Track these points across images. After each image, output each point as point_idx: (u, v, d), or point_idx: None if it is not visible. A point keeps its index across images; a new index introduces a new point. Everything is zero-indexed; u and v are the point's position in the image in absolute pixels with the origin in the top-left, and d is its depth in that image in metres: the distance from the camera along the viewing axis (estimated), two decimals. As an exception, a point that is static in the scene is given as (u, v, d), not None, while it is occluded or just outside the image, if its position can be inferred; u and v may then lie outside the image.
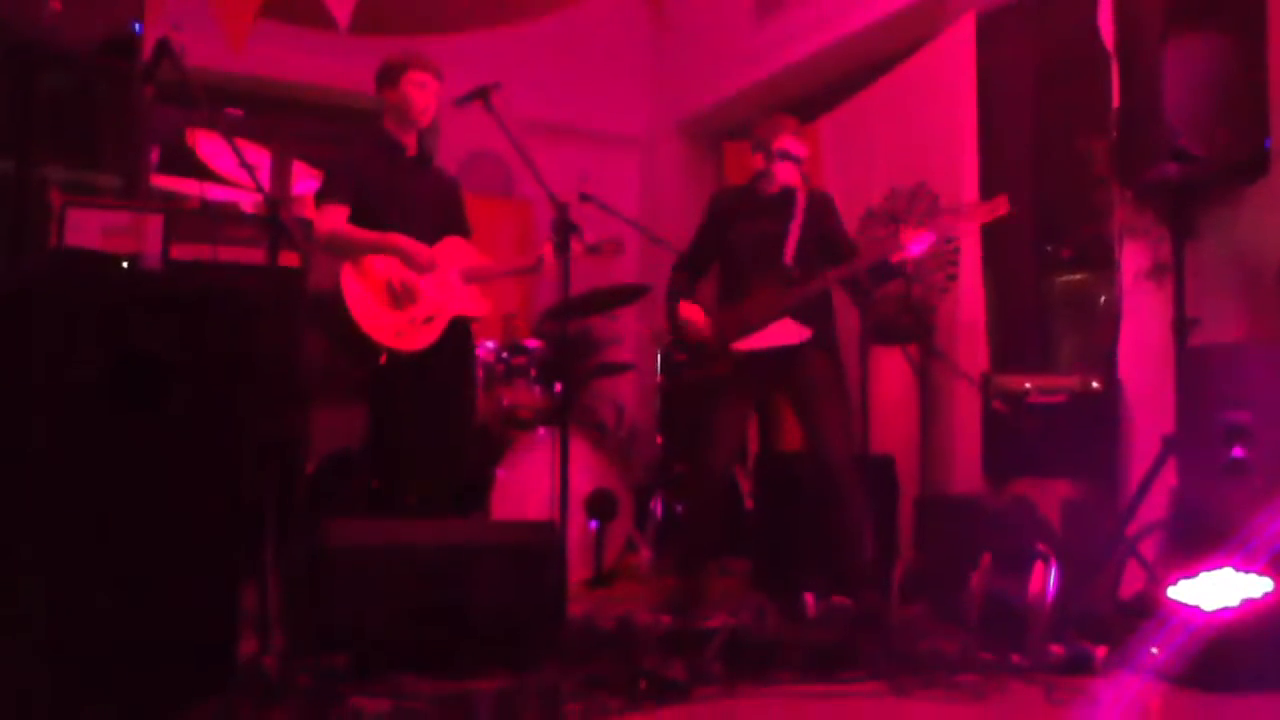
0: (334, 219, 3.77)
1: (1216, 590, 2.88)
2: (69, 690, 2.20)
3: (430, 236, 3.85)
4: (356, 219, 3.78)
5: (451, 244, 3.89)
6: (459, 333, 3.87)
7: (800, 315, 3.87)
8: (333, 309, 3.72)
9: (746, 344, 3.91)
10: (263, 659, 2.60)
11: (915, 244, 3.70)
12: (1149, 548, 3.47)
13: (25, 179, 3.91)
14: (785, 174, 4.00)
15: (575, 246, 3.65)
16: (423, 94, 3.82)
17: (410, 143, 3.94)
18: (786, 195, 3.99)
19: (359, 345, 3.70)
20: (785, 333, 3.88)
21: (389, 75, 3.86)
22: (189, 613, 2.37)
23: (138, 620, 2.29)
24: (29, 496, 2.21)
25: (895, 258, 3.74)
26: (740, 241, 4.08)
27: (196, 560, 2.40)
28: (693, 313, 4.02)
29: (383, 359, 3.83)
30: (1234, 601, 2.83)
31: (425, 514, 3.71)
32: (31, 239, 3.91)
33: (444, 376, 3.83)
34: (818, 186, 4.40)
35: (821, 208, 4.01)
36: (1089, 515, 3.72)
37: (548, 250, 3.79)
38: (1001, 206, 3.68)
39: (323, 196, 3.88)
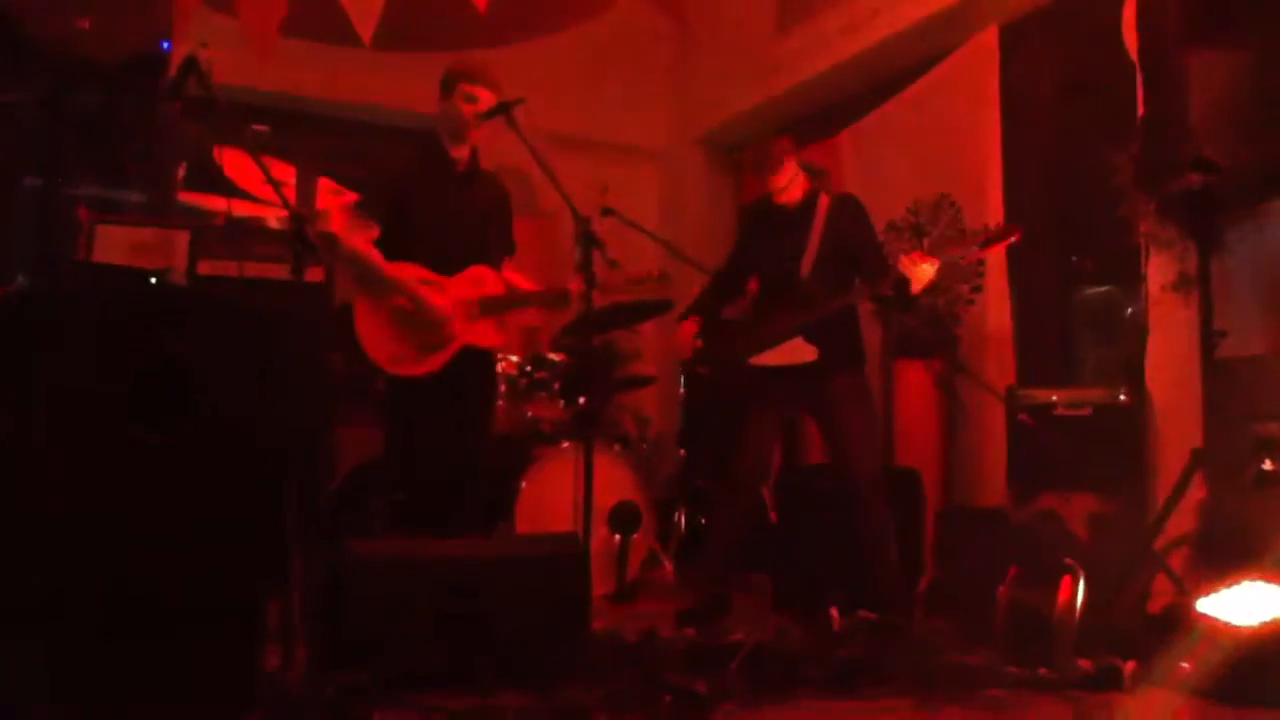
0: (361, 236, 3.78)
1: (1247, 604, 2.85)
2: (89, 705, 2.22)
3: (463, 256, 3.84)
4: (391, 234, 3.78)
5: (475, 273, 3.87)
6: (472, 360, 3.85)
7: (817, 333, 3.85)
8: (349, 323, 3.74)
9: (760, 360, 3.93)
10: (286, 674, 2.61)
11: (921, 276, 3.64)
12: (1177, 561, 3.44)
13: (55, 195, 3.96)
14: (793, 191, 3.99)
15: (616, 279, 3.68)
16: (473, 107, 3.78)
17: (461, 156, 3.90)
18: (807, 205, 3.97)
19: (364, 364, 3.73)
20: (794, 352, 3.87)
21: (444, 86, 3.85)
22: (212, 626, 2.38)
23: (160, 634, 2.30)
24: (50, 508, 2.23)
25: (916, 290, 3.69)
26: (764, 256, 4.08)
27: (220, 574, 2.41)
28: (686, 329, 4.05)
29: (379, 382, 3.84)
30: (1265, 616, 2.80)
31: (445, 529, 3.72)
32: (60, 255, 3.96)
33: (454, 399, 3.82)
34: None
35: (845, 214, 3.95)
36: (1116, 529, 3.69)
37: (574, 285, 3.69)
38: (1013, 234, 3.64)
39: (360, 207, 3.91)
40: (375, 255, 3.74)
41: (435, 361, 3.75)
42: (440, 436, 3.82)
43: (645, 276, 3.88)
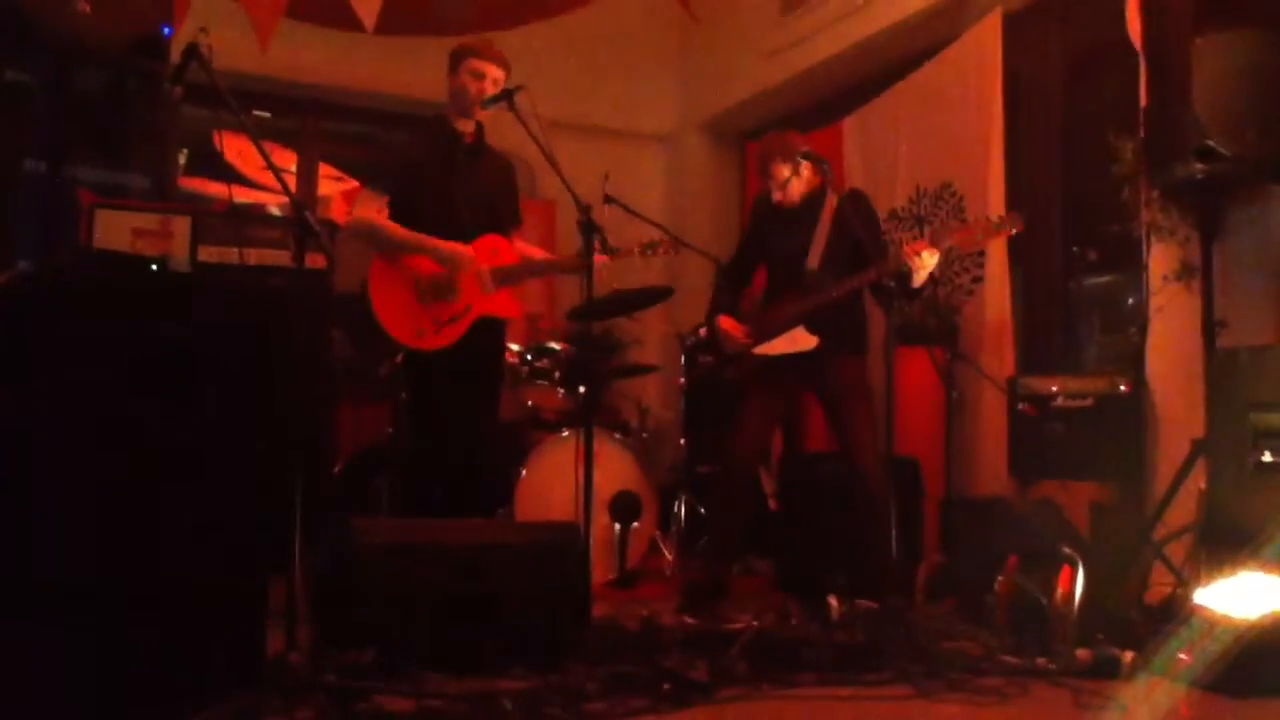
0: (370, 208, 3.79)
1: (1245, 595, 2.86)
2: (96, 685, 2.23)
3: (473, 229, 3.85)
4: (401, 207, 3.79)
5: (489, 242, 3.87)
6: (487, 332, 3.87)
7: (820, 321, 3.86)
8: (357, 305, 3.75)
9: (763, 350, 3.94)
10: (289, 655, 2.62)
11: (922, 266, 3.62)
12: (1178, 551, 3.44)
13: (56, 180, 3.95)
14: (796, 187, 3.99)
15: (630, 246, 3.70)
16: (478, 83, 3.80)
17: (468, 130, 3.92)
18: (815, 201, 3.99)
19: (380, 342, 3.73)
20: (795, 341, 3.88)
21: (452, 62, 3.88)
22: (217, 608, 2.39)
23: (166, 615, 2.31)
24: (50, 491, 2.23)
25: (917, 283, 3.68)
26: (772, 249, 4.10)
27: (223, 556, 2.42)
28: (731, 326, 4.05)
29: (399, 358, 3.85)
30: (1264, 607, 2.80)
31: (449, 511, 3.73)
32: (61, 240, 3.96)
33: (468, 375, 3.83)
34: (852, 186, 4.38)
35: (852, 210, 3.97)
36: (1116, 518, 3.69)
37: (599, 259, 3.65)
38: (1015, 225, 3.62)
39: (367, 181, 3.92)
40: (389, 223, 3.75)
41: (453, 334, 3.76)
42: (456, 410, 3.83)
43: (658, 241, 3.89)
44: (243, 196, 4.69)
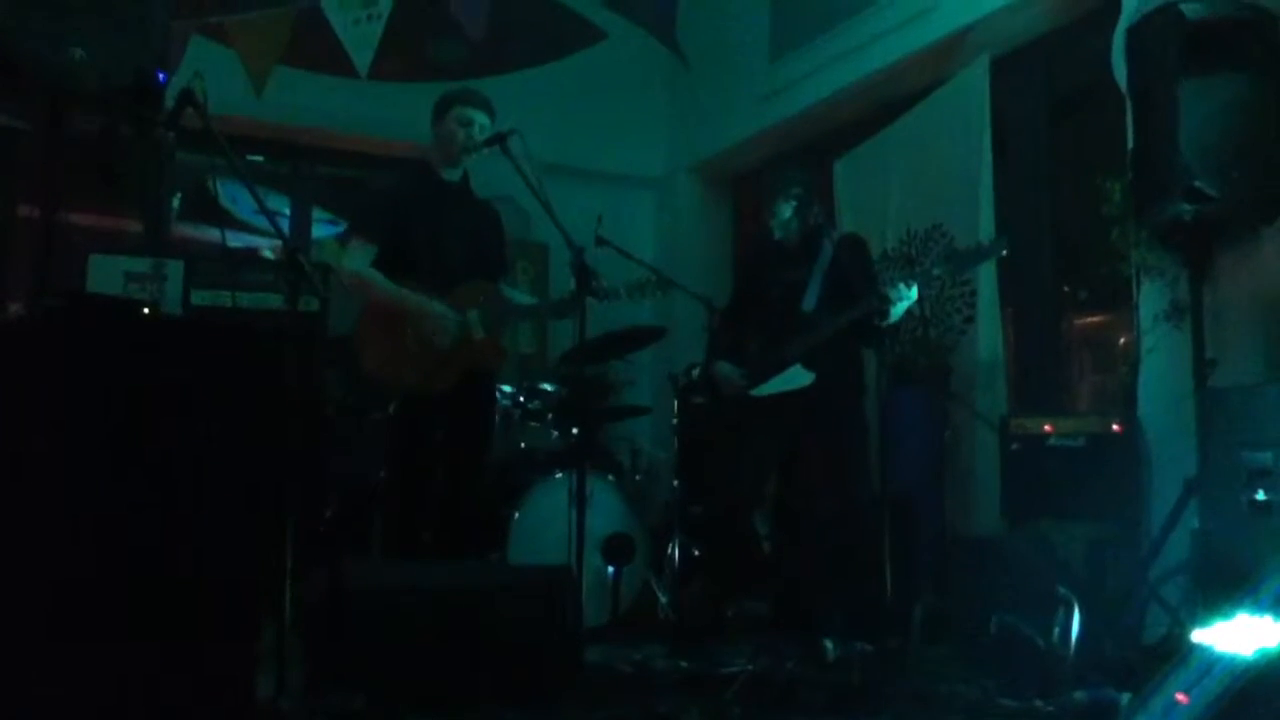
0: (360, 259, 3.79)
1: (1241, 634, 2.84)
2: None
3: (463, 269, 3.86)
4: (388, 254, 3.79)
5: (475, 289, 3.89)
6: (476, 379, 3.86)
7: (816, 361, 3.86)
8: (351, 352, 3.74)
9: (760, 391, 3.94)
10: (279, 700, 2.59)
11: (899, 298, 3.63)
12: (1172, 591, 3.43)
13: (50, 225, 3.96)
14: (792, 228, 4.01)
15: (618, 288, 3.71)
16: (466, 130, 3.82)
17: (453, 179, 3.94)
18: (811, 243, 4.01)
19: (373, 390, 3.72)
20: (792, 379, 3.89)
21: (437, 110, 3.90)
22: (207, 652, 2.37)
23: (155, 655, 2.29)
24: (48, 533, 2.22)
25: (892, 318, 3.67)
26: (767, 291, 4.11)
27: (215, 597, 2.40)
28: (728, 371, 4.05)
29: (391, 407, 3.84)
30: (1260, 647, 2.78)
31: (440, 555, 3.71)
32: (55, 284, 3.96)
33: (457, 422, 3.82)
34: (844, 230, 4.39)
35: (848, 253, 3.99)
36: (1111, 558, 3.68)
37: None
38: (998, 249, 3.65)
39: (353, 230, 3.92)
40: (376, 278, 3.75)
41: (445, 382, 3.75)
42: (445, 456, 3.82)
43: (646, 280, 3.91)
44: (236, 241, 4.71)
